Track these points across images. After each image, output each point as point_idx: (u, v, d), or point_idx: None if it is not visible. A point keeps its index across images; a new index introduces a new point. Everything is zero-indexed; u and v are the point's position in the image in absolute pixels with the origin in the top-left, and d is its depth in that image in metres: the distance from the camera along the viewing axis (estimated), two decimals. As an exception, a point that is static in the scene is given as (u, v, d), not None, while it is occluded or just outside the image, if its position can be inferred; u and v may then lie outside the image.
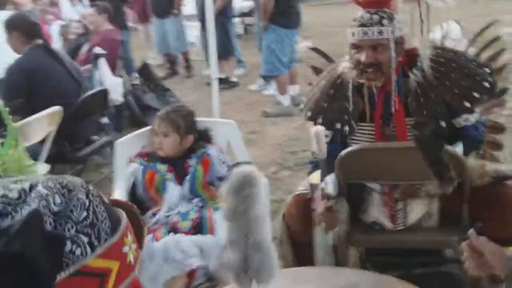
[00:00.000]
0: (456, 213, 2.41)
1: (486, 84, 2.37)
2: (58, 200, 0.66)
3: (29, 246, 0.57)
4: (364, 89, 2.44)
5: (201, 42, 6.98)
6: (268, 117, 5.73)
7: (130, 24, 7.90)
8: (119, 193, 2.64)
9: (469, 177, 2.34)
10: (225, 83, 6.57)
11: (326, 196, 2.32)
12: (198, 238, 2.47)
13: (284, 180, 4.11)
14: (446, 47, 2.49)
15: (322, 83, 2.59)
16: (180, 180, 2.67)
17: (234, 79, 7.10)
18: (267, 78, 6.21)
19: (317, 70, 2.78)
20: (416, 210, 2.47)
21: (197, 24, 7.12)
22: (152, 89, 5.70)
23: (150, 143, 2.82)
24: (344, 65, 2.53)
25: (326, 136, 2.54)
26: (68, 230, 0.65)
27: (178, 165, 2.70)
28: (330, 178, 2.40)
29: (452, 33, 6.61)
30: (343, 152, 2.39)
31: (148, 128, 2.88)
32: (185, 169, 2.69)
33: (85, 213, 0.67)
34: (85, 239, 0.66)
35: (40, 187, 0.66)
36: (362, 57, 2.32)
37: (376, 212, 2.51)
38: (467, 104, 2.35)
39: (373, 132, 2.46)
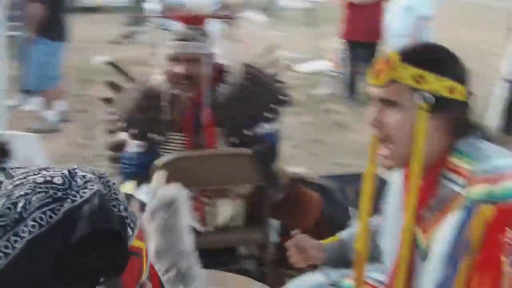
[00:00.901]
0: (260, 213, 2.69)
1: (282, 98, 2.72)
2: (102, 185, 0.70)
3: (112, 222, 0.61)
4: (176, 100, 2.58)
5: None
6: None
7: None
8: None
9: (272, 180, 2.64)
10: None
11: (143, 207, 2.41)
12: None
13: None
14: (253, 66, 2.76)
15: (133, 95, 2.66)
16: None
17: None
18: (29, 93, 5.92)
19: (114, 87, 2.85)
20: (224, 212, 2.68)
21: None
22: None
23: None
24: (156, 78, 2.66)
25: (139, 146, 2.64)
26: (121, 211, 0.69)
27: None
28: (147, 188, 2.50)
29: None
30: (159, 161, 2.49)
31: None
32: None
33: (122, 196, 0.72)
34: (129, 221, 0.71)
35: (82, 173, 0.69)
36: (179, 69, 2.48)
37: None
38: (267, 115, 2.66)
39: (183, 142, 2.62)
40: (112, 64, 2.93)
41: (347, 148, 5.18)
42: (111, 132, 3.26)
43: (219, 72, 2.65)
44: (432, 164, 1.45)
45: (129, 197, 2.48)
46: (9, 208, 0.64)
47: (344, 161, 4.81)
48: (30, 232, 0.62)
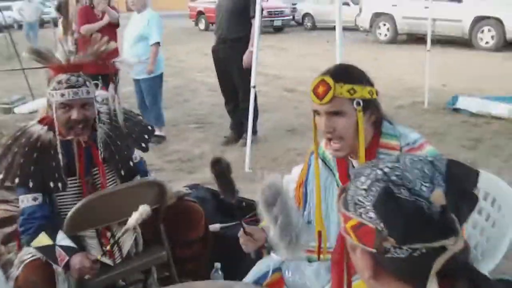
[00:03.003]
0: (154, 233, 2.94)
1: (149, 127, 3.03)
2: None
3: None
4: (66, 145, 2.67)
5: None
6: None
7: None
8: None
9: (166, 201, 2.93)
10: None
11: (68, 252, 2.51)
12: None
13: None
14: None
15: (15, 149, 2.64)
16: None
17: None
18: None
19: None
20: (127, 242, 2.86)
21: None
22: None
23: None
24: (36, 128, 2.69)
25: (35, 199, 2.65)
26: None
27: None
28: (61, 236, 2.57)
29: None
30: (74, 208, 2.57)
31: None
32: None
33: None
34: None
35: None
36: (74, 115, 2.58)
37: (97, 254, 2.77)
38: (143, 145, 2.95)
39: (79, 185, 2.73)
40: None
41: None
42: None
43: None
44: (368, 147, 2.09)
45: (52, 247, 2.52)
46: None
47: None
48: None
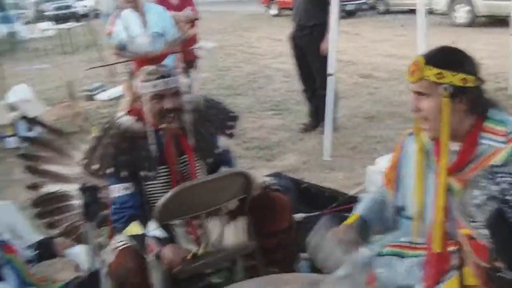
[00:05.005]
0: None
1: (233, 114, 3.04)
2: None
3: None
4: (155, 135, 2.71)
5: None
6: None
7: None
8: None
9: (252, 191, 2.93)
10: None
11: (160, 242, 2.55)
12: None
13: None
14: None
15: (106, 141, 2.71)
16: (-2, 278, 2.33)
17: None
18: None
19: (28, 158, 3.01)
20: (215, 231, 2.89)
21: None
22: None
23: None
24: (125, 119, 2.75)
25: (127, 189, 2.71)
26: None
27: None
28: (153, 226, 2.62)
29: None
30: (165, 197, 2.61)
31: None
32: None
33: None
34: None
35: None
36: (166, 104, 2.63)
37: (184, 242, 2.81)
38: (228, 132, 2.96)
39: (168, 174, 2.77)
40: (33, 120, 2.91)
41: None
42: (32, 187, 3.19)
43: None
44: (463, 134, 2.04)
45: (143, 237, 2.58)
46: None
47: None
48: None
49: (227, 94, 7.94)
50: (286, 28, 8.30)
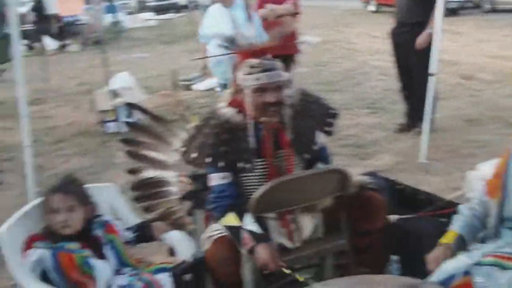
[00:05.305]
0: (334, 220, 2.92)
1: (333, 111, 3.00)
2: None
3: None
4: (254, 128, 2.73)
5: None
6: None
7: None
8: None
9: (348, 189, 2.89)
10: None
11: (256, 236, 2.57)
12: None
13: None
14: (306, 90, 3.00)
15: (206, 130, 2.76)
16: (97, 255, 2.43)
17: None
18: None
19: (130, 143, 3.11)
20: (307, 226, 2.88)
21: None
22: None
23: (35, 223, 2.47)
24: (226, 111, 2.78)
25: (224, 178, 2.75)
26: None
27: (88, 239, 2.45)
28: (249, 220, 2.64)
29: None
30: (262, 190, 2.62)
31: (30, 206, 2.49)
32: (98, 242, 2.47)
33: None
34: None
35: None
36: (268, 98, 2.64)
37: (277, 236, 2.82)
38: (327, 129, 2.93)
39: (265, 167, 2.78)
40: (132, 105, 2.99)
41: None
42: (132, 172, 3.30)
43: None
44: None
45: (239, 229, 2.60)
46: None
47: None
48: None
49: (324, 89, 7.87)
50: (384, 25, 8.13)
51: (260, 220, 2.71)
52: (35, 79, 9.61)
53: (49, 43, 14.52)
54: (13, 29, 3.73)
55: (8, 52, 5.26)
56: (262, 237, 2.62)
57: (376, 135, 6.20)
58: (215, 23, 5.33)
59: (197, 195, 2.89)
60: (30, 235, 2.45)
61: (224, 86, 5.42)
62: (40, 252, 2.35)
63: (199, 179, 3.03)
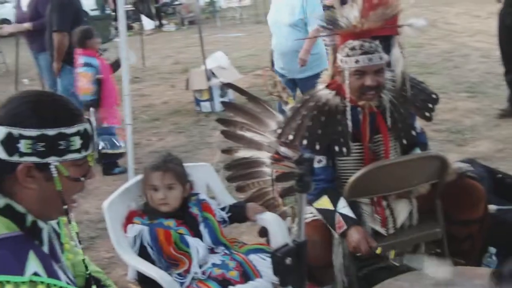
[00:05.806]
0: (429, 208, 2.84)
1: (434, 96, 2.90)
2: None
3: None
4: (351, 111, 2.69)
5: None
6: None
7: None
8: (134, 262, 2.37)
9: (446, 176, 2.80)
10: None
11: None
12: (256, 284, 2.38)
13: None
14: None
15: (303, 112, 2.73)
16: (193, 232, 2.50)
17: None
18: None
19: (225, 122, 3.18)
20: (402, 213, 2.81)
21: None
22: None
23: (136, 199, 2.57)
24: (324, 93, 2.75)
25: (320, 161, 2.73)
26: None
27: (184, 217, 2.52)
28: (343, 203, 2.61)
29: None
30: (358, 174, 2.59)
31: (131, 183, 2.60)
32: (194, 220, 2.53)
33: None
34: None
35: None
36: (367, 81, 2.59)
37: (370, 222, 2.77)
38: (427, 114, 2.83)
39: (361, 151, 2.73)
40: (229, 85, 3.00)
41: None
42: (227, 151, 3.33)
43: None
44: None
45: (332, 212, 2.59)
46: None
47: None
48: None
49: (419, 72, 7.60)
50: (487, 4, 7.72)
51: (353, 205, 2.69)
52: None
53: (147, 23, 14.94)
54: (120, 10, 3.87)
55: (108, 33, 5.46)
56: (355, 221, 2.59)
57: (474, 121, 5.94)
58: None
59: (302, 179, 2.88)
60: (130, 211, 2.54)
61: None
62: (139, 228, 2.44)
63: (304, 163, 3.01)
